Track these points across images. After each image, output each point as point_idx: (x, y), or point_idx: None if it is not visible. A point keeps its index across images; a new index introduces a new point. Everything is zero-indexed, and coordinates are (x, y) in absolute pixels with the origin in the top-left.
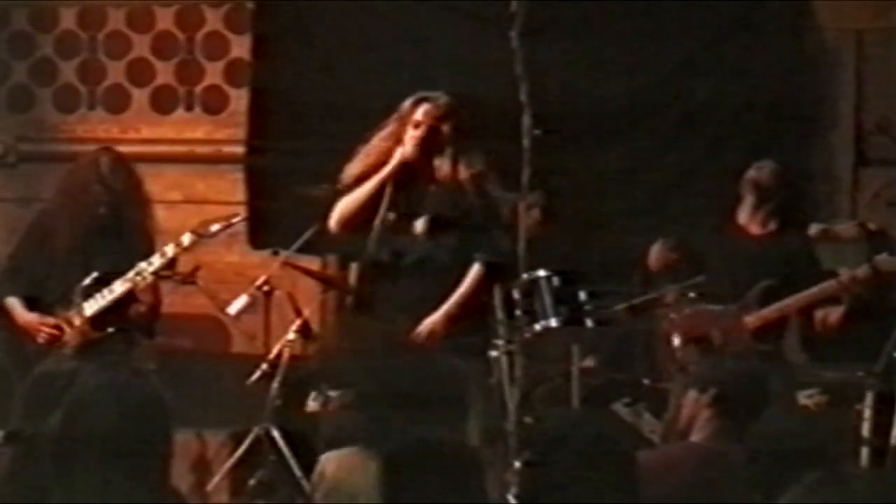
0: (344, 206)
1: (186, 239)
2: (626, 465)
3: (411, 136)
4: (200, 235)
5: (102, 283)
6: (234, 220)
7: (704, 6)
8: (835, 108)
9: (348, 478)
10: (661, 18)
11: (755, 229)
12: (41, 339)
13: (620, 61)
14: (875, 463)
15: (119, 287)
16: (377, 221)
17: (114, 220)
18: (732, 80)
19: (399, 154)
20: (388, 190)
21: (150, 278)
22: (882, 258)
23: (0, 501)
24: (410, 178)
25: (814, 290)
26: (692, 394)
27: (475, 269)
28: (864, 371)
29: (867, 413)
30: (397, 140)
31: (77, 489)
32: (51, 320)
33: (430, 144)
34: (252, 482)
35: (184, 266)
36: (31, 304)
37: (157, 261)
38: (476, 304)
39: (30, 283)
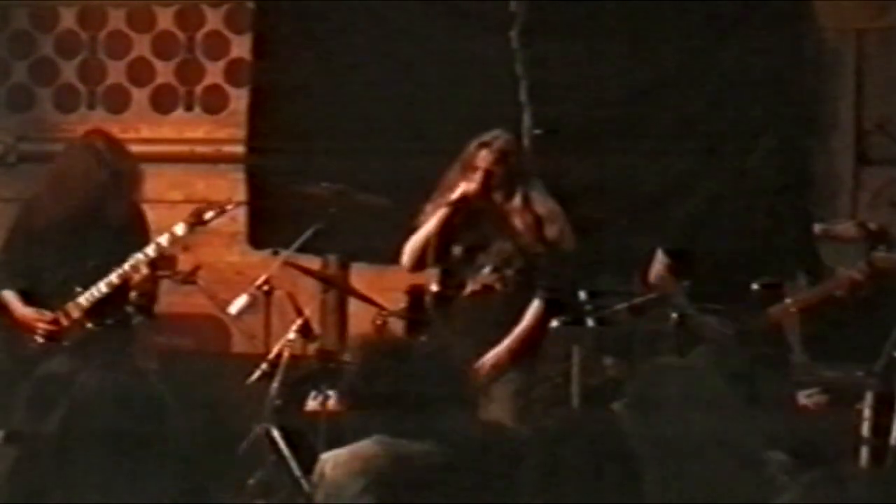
0: (412, 243)
1: (180, 228)
2: (631, 465)
3: (470, 177)
4: (194, 224)
5: (99, 273)
6: (228, 207)
7: (704, 6)
8: (835, 108)
9: (349, 477)
10: (661, 18)
11: None
12: (39, 333)
13: (620, 62)
14: (875, 463)
15: (115, 278)
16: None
17: (107, 204)
18: (732, 80)
19: (460, 190)
20: (457, 223)
21: (145, 270)
22: (879, 254)
23: (0, 501)
24: (475, 214)
25: (814, 290)
26: None
27: (535, 305)
28: (864, 371)
29: (867, 413)
30: (463, 179)
31: (77, 489)
32: (48, 314)
33: (488, 185)
34: (252, 482)
35: (184, 266)
36: (27, 297)
37: (151, 250)
38: (536, 337)
39: (24, 276)
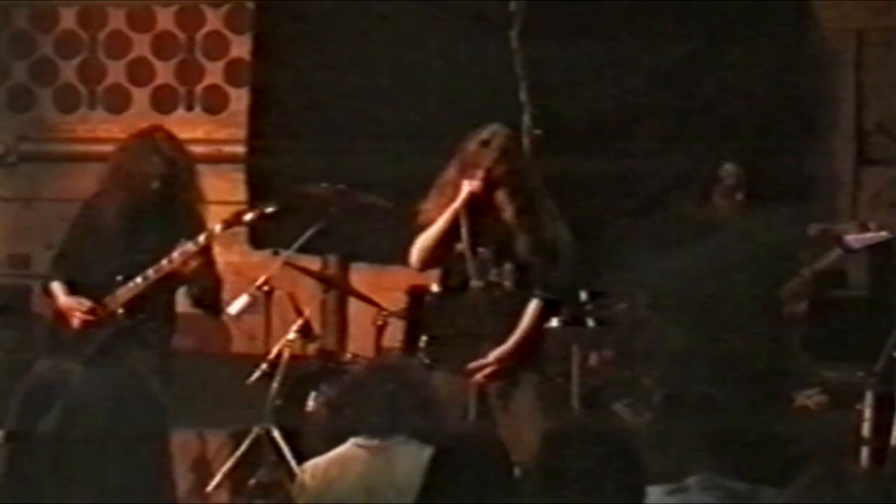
0: (421, 242)
1: (217, 228)
2: (633, 465)
3: (473, 175)
4: (230, 225)
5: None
6: (266, 210)
7: (704, 6)
8: (835, 108)
9: (330, 483)
10: (661, 19)
11: None
12: (75, 322)
13: (620, 62)
14: (875, 463)
15: (153, 273)
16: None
17: (165, 198)
18: (732, 80)
19: (467, 190)
20: (462, 223)
21: (177, 263)
22: (850, 237)
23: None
24: (477, 212)
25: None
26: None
27: (533, 305)
28: (864, 371)
29: (867, 413)
30: (461, 179)
31: (74, 489)
32: (87, 304)
33: (491, 183)
34: (252, 482)
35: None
36: (74, 288)
37: (185, 248)
38: (537, 336)
39: (76, 267)
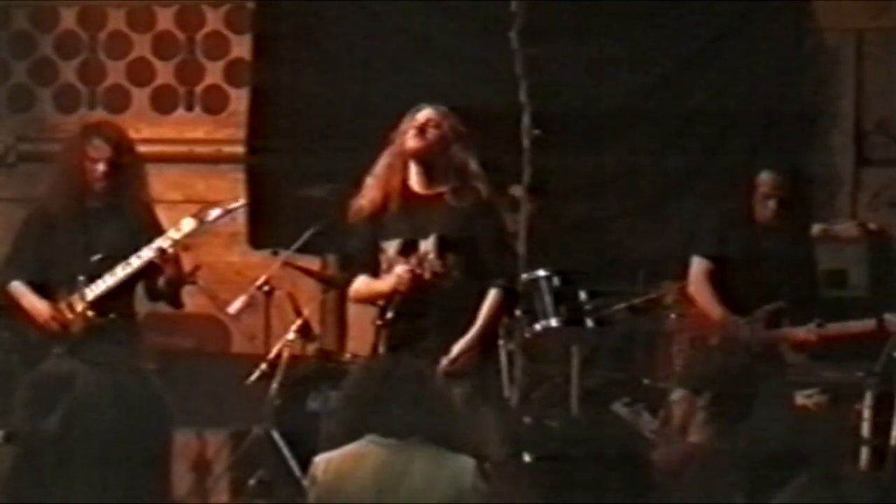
0: (357, 290)
1: (186, 225)
2: (640, 465)
3: (409, 135)
4: (202, 220)
5: (106, 266)
6: (234, 206)
7: (704, 6)
8: (835, 108)
9: (342, 479)
10: (661, 19)
11: None
12: (42, 325)
13: (620, 61)
14: (875, 463)
15: (121, 271)
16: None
17: (116, 188)
18: (732, 79)
19: (408, 144)
20: (393, 214)
21: (152, 255)
22: (890, 317)
23: (0, 501)
24: (415, 202)
25: (827, 328)
26: (685, 394)
27: (493, 295)
28: (864, 371)
29: (867, 413)
30: (394, 166)
31: (76, 488)
32: (47, 308)
33: (429, 152)
34: (252, 482)
35: (184, 266)
36: (38, 289)
37: (158, 243)
38: (496, 327)
39: (34, 268)
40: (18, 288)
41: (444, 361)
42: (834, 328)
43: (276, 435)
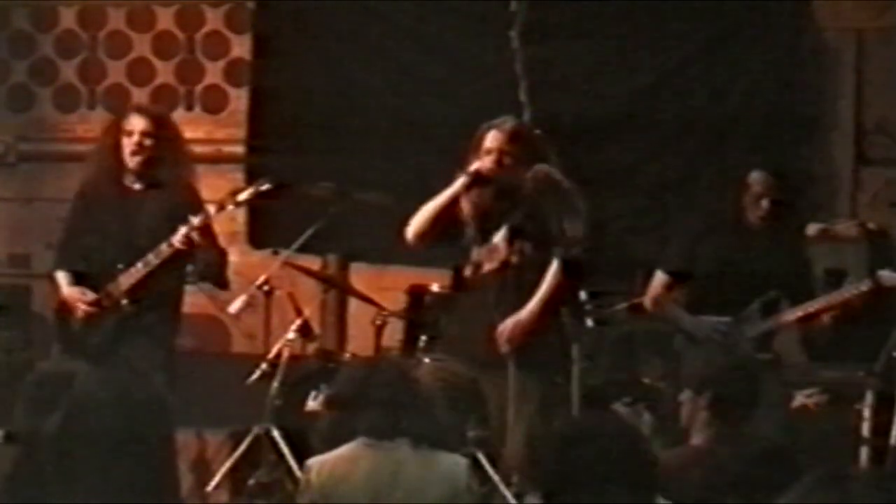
0: (417, 218)
1: (212, 209)
2: (647, 465)
3: (483, 158)
4: (223, 207)
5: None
6: (262, 188)
7: (704, 7)
8: (835, 108)
9: (335, 482)
10: (661, 19)
11: None
12: (79, 313)
13: (620, 62)
14: (875, 463)
15: (154, 258)
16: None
17: (155, 161)
18: (732, 79)
19: (474, 167)
20: (468, 205)
21: (179, 245)
22: (885, 273)
23: (0, 501)
24: (488, 196)
25: (820, 300)
26: (688, 394)
27: (554, 267)
28: (864, 371)
29: (867, 413)
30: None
31: (77, 489)
32: (90, 295)
33: (501, 163)
34: (252, 482)
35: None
36: (79, 277)
37: (184, 231)
38: (558, 300)
39: (77, 257)
40: (60, 278)
41: (500, 328)
42: (830, 298)
43: (276, 435)
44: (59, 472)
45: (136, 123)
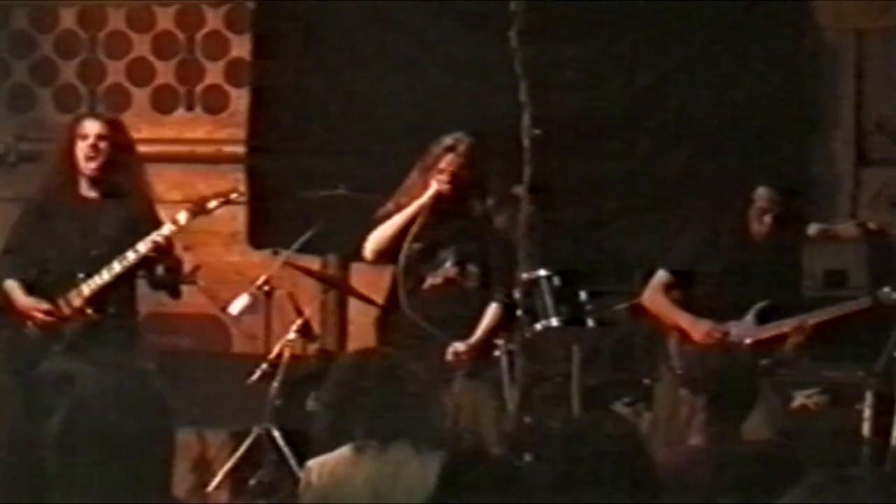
0: (377, 236)
1: (182, 217)
2: (646, 465)
3: (439, 179)
4: (197, 213)
5: (103, 262)
6: (232, 196)
7: (704, 6)
8: (835, 108)
9: (336, 483)
10: (661, 19)
11: None
12: (36, 323)
13: (620, 62)
14: (875, 463)
15: (118, 266)
16: (402, 252)
17: (109, 181)
18: (732, 80)
19: (433, 189)
20: (419, 222)
21: (147, 250)
22: (885, 291)
23: (0, 501)
24: (440, 213)
25: (819, 313)
26: (684, 394)
27: (493, 309)
28: (864, 371)
29: (867, 413)
30: (426, 183)
31: (78, 489)
32: (45, 305)
33: (457, 185)
34: (252, 482)
35: (184, 266)
36: (32, 288)
37: (153, 237)
38: (493, 337)
39: (30, 264)
40: (11, 287)
41: (450, 352)
42: (828, 311)
43: (276, 435)
44: (59, 471)
45: (91, 127)
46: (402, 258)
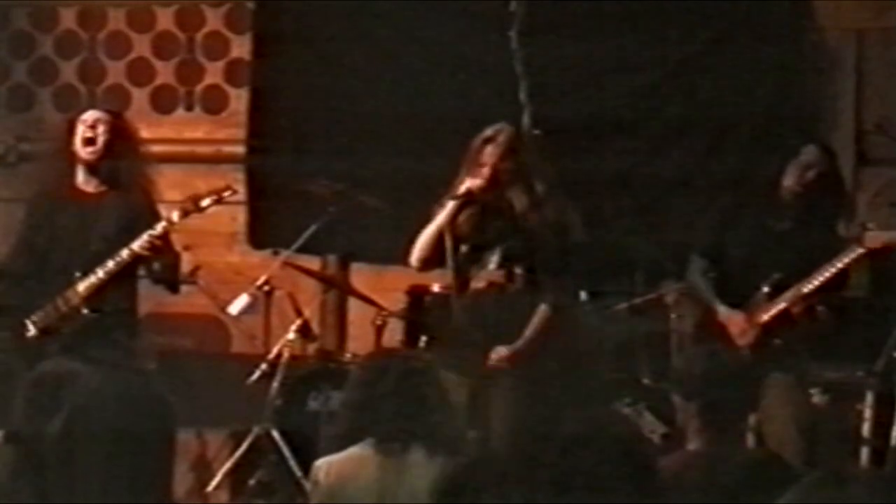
0: (420, 242)
1: (175, 215)
2: (648, 467)
3: (482, 173)
4: (188, 212)
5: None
6: (226, 194)
7: (704, 6)
8: (835, 108)
9: (344, 482)
10: (661, 19)
11: None
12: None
13: (620, 62)
14: (875, 463)
15: (113, 265)
16: (449, 256)
17: (110, 176)
18: (732, 80)
19: (465, 186)
20: (460, 222)
21: (141, 251)
22: (870, 234)
23: (0, 501)
24: (484, 212)
25: (814, 277)
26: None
27: (542, 311)
28: (864, 371)
29: (867, 413)
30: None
31: (78, 489)
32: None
33: (496, 180)
34: (252, 482)
35: (184, 266)
36: (37, 283)
37: (144, 238)
38: (542, 342)
39: (31, 260)
40: None
41: (491, 360)
42: (821, 273)
43: (276, 435)
44: (59, 472)
45: (90, 114)
46: (450, 262)
